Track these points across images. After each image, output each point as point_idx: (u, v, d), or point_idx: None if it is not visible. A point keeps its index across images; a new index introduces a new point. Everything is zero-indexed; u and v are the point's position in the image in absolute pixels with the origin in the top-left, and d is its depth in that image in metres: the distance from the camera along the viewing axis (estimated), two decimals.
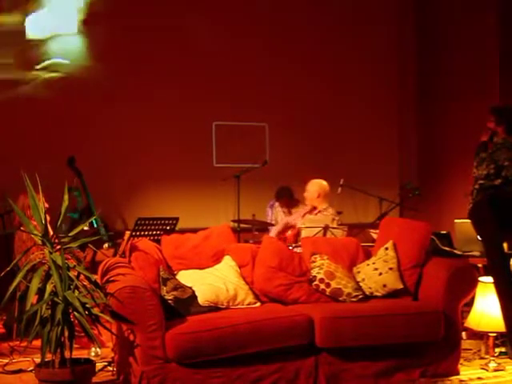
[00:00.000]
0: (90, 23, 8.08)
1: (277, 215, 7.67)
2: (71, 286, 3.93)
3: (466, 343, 5.15)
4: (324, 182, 6.75)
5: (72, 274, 3.98)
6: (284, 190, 7.85)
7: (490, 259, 4.87)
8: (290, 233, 6.71)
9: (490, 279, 4.85)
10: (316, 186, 6.73)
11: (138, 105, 8.15)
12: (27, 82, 7.88)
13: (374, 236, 5.91)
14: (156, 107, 8.26)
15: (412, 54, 9.73)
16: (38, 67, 7.94)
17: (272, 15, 8.96)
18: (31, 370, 4.61)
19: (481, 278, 4.92)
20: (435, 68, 9.34)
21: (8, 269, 4.06)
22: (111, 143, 8.03)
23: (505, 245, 5.07)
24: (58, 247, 3.99)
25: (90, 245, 4.46)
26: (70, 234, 4.09)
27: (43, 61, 7.96)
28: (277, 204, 7.77)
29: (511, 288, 4.67)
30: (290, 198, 7.78)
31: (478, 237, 5.07)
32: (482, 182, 4.90)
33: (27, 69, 7.92)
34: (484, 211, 4.81)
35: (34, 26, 7.95)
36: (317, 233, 6.18)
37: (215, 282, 4.57)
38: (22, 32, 7.87)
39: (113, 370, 4.65)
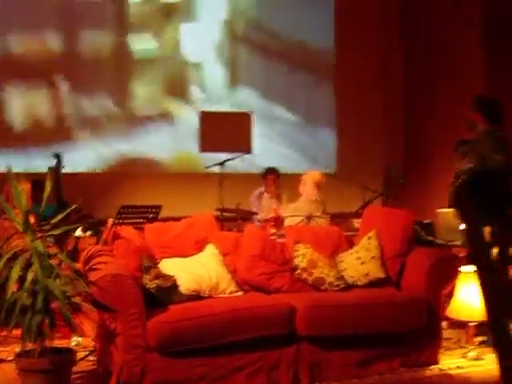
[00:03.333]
0: None
1: (265, 203, 7.61)
2: (52, 275, 3.90)
3: (446, 333, 5.17)
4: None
5: (53, 262, 3.95)
6: (271, 168, 7.79)
7: (471, 246, 4.83)
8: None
9: (471, 268, 4.87)
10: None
11: None
12: None
13: (357, 225, 5.92)
14: None
15: (399, 42, 9.72)
16: None
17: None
18: (11, 360, 4.57)
19: (462, 268, 4.93)
20: (422, 57, 9.34)
21: None
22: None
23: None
24: (40, 235, 3.96)
25: (71, 233, 4.42)
26: (51, 222, 4.06)
27: None
28: (266, 195, 7.71)
29: (493, 276, 4.67)
30: (276, 176, 7.69)
31: (461, 224, 5.02)
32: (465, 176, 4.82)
33: None
34: (463, 196, 4.71)
35: None
36: (299, 222, 6.17)
37: (198, 270, 4.55)
38: None
39: (94, 360, 4.63)
